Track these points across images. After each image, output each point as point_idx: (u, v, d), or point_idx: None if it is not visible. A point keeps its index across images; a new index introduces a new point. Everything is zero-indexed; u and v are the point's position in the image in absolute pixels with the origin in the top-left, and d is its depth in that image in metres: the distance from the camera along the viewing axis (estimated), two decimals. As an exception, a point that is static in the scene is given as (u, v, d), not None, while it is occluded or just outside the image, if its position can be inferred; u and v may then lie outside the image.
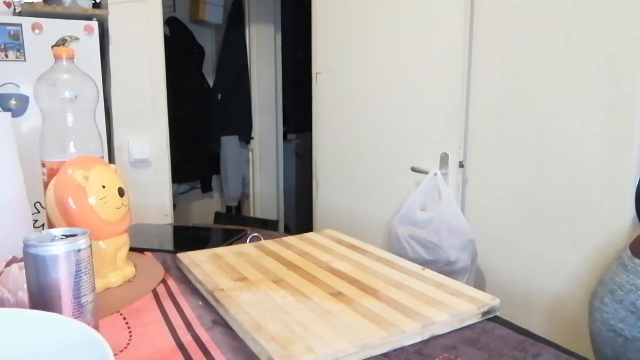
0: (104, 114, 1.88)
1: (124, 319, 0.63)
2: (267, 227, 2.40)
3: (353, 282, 0.69)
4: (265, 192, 3.20)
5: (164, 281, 0.76)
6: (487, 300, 0.62)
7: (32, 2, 1.76)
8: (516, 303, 1.35)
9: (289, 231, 3.35)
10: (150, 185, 2.09)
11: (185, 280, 0.77)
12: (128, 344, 0.57)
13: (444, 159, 1.51)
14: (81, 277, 0.52)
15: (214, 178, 3.34)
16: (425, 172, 1.52)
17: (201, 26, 3.15)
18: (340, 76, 1.94)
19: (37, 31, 1.71)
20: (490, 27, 1.40)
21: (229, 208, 3.29)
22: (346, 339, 0.53)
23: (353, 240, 0.89)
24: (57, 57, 0.75)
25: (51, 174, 0.74)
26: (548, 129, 1.24)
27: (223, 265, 0.77)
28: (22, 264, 0.59)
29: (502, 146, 1.39)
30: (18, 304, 0.57)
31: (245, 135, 3.10)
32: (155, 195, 2.11)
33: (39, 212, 1.29)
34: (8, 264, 0.63)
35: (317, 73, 2.07)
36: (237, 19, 3.00)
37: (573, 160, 1.19)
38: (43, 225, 1.33)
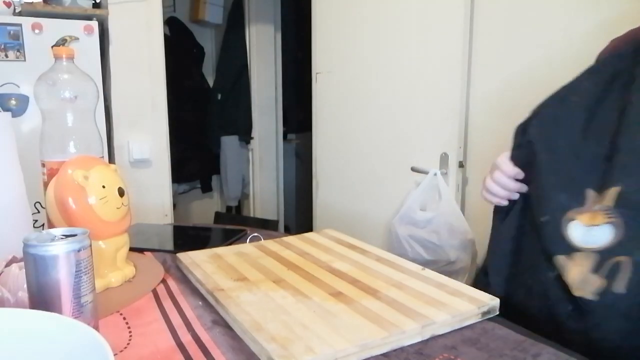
0: (104, 114, 1.88)
1: (124, 319, 0.63)
2: (267, 227, 2.40)
3: (353, 282, 0.69)
4: (265, 192, 3.20)
5: (164, 281, 0.76)
6: (487, 300, 0.62)
7: (32, 2, 1.76)
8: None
9: (289, 231, 3.35)
10: (150, 185, 2.09)
11: (185, 280, 0.76)
12: (128, 344, 0.57)
13: (444, 159, 1.51)
14: (81, 277, 0.52)
15: (214, 178, 3.34)
16: (425, 172, 1.52)
17: (201, 26, 3.15)
18: (340, 76, 1.94)
19: (37, 31, 1.71)
20: (490, 27, 1.40)
21: (229, 208, 3.29)
22: (346, 339, 0.53)
23: (353, 240, 0.89)
24: (57, 57, 0.75)
25: (51, 174, 0.74)
26: (548, 129, 1.24)
27: (223, 265, 0.76)
28: (22, 264, 0.59)
29: (502, 146, 1.39)
30: (18, 304, 0.57)
31: (245, 135, 3.10)
32: (155, 195, 2.11)
33: (39, 212, 1.28)
34: (8, 264, 0.63)
35: (317, 73, 2.07)
36: (237, 19, 3.00)
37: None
38: (43, 225, 1.33)
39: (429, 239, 1.46)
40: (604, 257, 0.62)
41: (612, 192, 0.63)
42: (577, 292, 0.63)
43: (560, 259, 0.66)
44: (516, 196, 0.76)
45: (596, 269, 0.62)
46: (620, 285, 0.60)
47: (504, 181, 0.76)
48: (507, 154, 0.78)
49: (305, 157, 3.11)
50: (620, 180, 0.62)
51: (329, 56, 2.00)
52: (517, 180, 0.75)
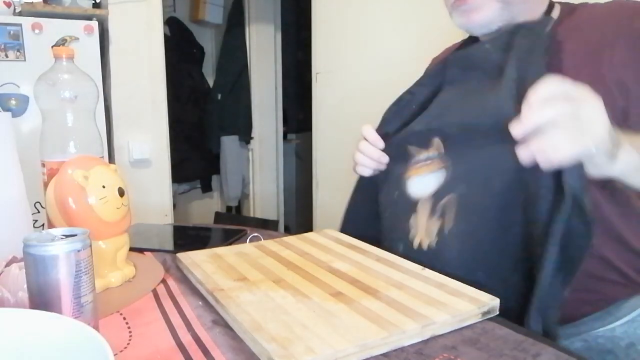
0: (104, 114, 1.89)
1: (124, 319, 0.63)
2: (267, 227, 2.40)
3: (353, 282, 0.69)
4: (265, 192, 3.21)
5: (164, 281, 0.76)
6: (487, 300, 0.62)
7: (32, 2, 1.76)
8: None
9: (289, 231, 3.35)
10: (150, 185, 2.10)
11: (185, 280, 0.76)
12: (128, 344, 0.57)
13: (444, 159, 1.50)
14: (81, 277, 0.52)
15: (214, 178, 3.34)
16: (425, 172, 1.52)
17: (201, 26, 3.15)
18: (340, 76, 1.94)
19: (37, 31, 1.71)
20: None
21: (229, 208, 3.30)
22: (346, 339, 0.53)
23: (353, 240, 0.89)
24: (57, 57, 0.75)
25: (51, 174, 0.74)
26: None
27: (223, 265, 0.76)
28: (22, 264, 0.59)
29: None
30: (18, 304, 0.57)
31: (245, 135, 3.11)
32: (155, 195, 2.11)
33: (39, 212, 1.28)
34: (8, 264, 0.63)
35: (317, 73, 2.07)
36: (237, 19, 3.00)
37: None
38: (43, 225, 1.33)
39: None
40: (436, 200, 0.72)
41: (436, 142, 0.75)
42: (425, 244, 0.73)
43: (411, 220, 0.75)
44: (382, 167, 0.86)
45: (432, 212, 0.72)
46: (449, 221, 0.69)
47: (369, 149, 0.86)
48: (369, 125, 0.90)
49: (305, 157, 3.11)
50: (439, 133, 0.75)
51: (329, 56, 2.00)
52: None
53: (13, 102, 1.70)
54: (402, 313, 0.59)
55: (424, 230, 0.73)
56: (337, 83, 1.96)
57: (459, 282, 0.68)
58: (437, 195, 0.71)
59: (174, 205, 2.40)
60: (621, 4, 0.73)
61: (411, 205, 0.76)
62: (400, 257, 0.76)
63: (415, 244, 0.75)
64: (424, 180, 0.74)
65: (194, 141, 3.07)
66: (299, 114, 3.33)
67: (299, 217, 3.53)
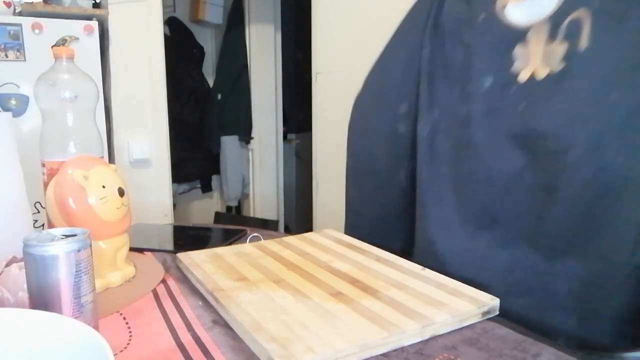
0: (104, 114, 1.89)
1: (124, 319, 0.63)
2: (267, 227, 2.40)
3: (353, 282, 0.69)
4: (265, 192, 3.20)
5: (164, 281, 0.76)
6: (487, 300, 0.62)
7: (32, 2, 1.76)
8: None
9: (289, 231, 3.35)
10: (150, 185, 2.09)
11: (185, 280, 0.77)
12: (128, 344, 0.57)
13: (444, 159, 1.50)
14: (81, 277, 0.52)
15: (214, 178, 3.34)
16: (425, 172, 1.52)
17: (201, 26, 3.15)
18: (340, 76, 1.94)
19: (37, 31, 1.71)
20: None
21: (229, 208, 3.29)
22: (346, 339, 0.53)
23: (353, 240, 0.89)
24: (57, 57, 0.75)
25: (51, 174, 0.74)
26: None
27: (223, 265, 0.76)
28: (22, 264, 0.59)
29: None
30: (18, 304, 0.57)
31: (245, 135, 3.10)
32: (155, 195, 2.11)
33: (39, 212, 1.28)
34: (8, 264, 0.63)
35: (317, 73, 2.07)
36: (237, 19, 3.00)
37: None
38: (43, 225, 1.33)
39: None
40: (556, 20, 0.59)
41: None
42: (541, 73, 0.60)
43: (518, 51, 0.62)
44: None
45: (552, 36, 0.60)
46: (583, 40, 0.57)
47: None
48: None
49: (305, 157, 3.11)
50: None
51: (329, 56, 2.00)
52: None
53: (13, 102, 1.70)
54: (402, 313, 0.59)
55: (539, 58, 0.60)
56: (337, 83, 1.96)
57: (459, 282, 0.68)
58: (559, 15, 0.59)
59: (174, 205, 2.40)
60: None
61: (512, 36, 0.63)
62: (486, 95, 0.64)
63: (523, 76, 0.63)
64: (531, 3, 0.61)
65: (194, 141, 3.07)
66: (299, 114, 3.33)
67: (299, 217, 3.53)
